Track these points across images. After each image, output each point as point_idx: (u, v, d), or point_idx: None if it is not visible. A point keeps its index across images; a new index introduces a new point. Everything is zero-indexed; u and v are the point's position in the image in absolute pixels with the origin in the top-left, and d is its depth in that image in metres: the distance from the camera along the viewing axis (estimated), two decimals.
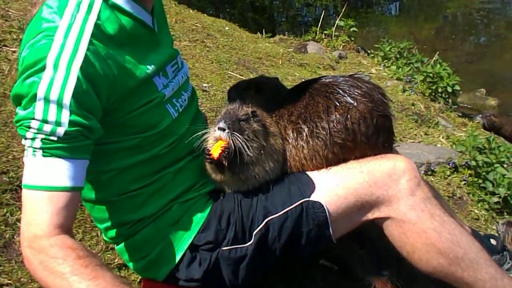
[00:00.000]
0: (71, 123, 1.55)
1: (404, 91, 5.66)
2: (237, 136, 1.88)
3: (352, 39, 7.37)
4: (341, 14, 7.62)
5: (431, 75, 5.91)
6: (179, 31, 5.50)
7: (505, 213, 3.65)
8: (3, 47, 3.63)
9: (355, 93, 2.07)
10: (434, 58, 6.42)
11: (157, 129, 1.87)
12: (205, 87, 4.21)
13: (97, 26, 1.64)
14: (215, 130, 1.91)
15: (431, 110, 5.27)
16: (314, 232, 1.99)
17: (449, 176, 3.80)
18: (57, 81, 1.52)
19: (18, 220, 2.29)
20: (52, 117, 1.53)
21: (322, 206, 1.97)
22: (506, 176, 3.69)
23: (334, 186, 2.00)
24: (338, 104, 2.05)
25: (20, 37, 3.64)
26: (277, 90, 2.37)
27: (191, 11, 6.82)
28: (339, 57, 6.66)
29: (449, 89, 5.82)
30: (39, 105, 1.53)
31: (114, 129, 1.77)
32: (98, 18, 1.66)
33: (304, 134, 2.06)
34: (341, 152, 2.05)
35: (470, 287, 2.04)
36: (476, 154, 3.83)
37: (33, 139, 1.55)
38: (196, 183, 2.05)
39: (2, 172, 2.51)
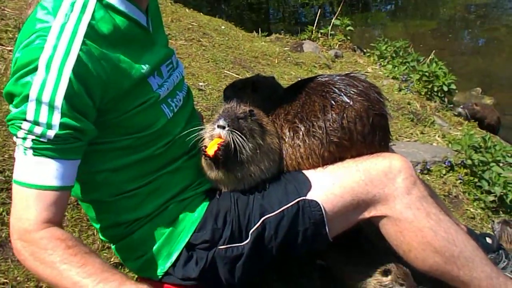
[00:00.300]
0: (62, 125, 1.56)
1: (400, 90, 5.68)
2: (237, 134, 1.89)
3: (348, 38, 7.39)
4: (337, 13, 7.64)
5: (427, 74, 5.93)
6: (175, 30, 5.50)
7: (501, 212, 3.67)
8: None
9: (351, 92, 2.07)
10: (430, 57, 6.45)
11: (152, 130, 1.87)
12: (201, 86, 4.21)
13: (91, 26, 1.64)
14: (214, 128, 1.91)
15: (427, 109, 5.29)
16: (310, 230, 1.99)
17: (445, 175, 3.81)
18: (49, 82, 1.53)
19: None
20: (43, 118, 1.54)
21: (318, 204, 1.97)
22: (501, 175, 3.71)
23: (331, 185, 2.00)
24: (334, 103, 2.05)
25: (16, 36, 3.63)
26: (273, 89, 2.37)
27: (187, 10, 6.82)
28: (335, 56, 6.68)
29: (445, 88, 5.85)
30: (31, 106, 1.54)
31: (109, 129, 1.77)
32: (92, 18, 1.65)
33: (301, 133, 2.07)
34: (338, 151, 2.05)
35: (466, 286, 2.04)
36: (472, 153, 3.84)
37: (24, 138, 1.57)
38: (193, 182, 2.05)
39: None
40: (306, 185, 2.01)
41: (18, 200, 1.60)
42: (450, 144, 4.24)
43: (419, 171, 3.70)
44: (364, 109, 2.05)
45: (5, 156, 2.60)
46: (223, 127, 1.89)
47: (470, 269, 2.01)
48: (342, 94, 2.07)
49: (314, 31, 7.37)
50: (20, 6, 4.32)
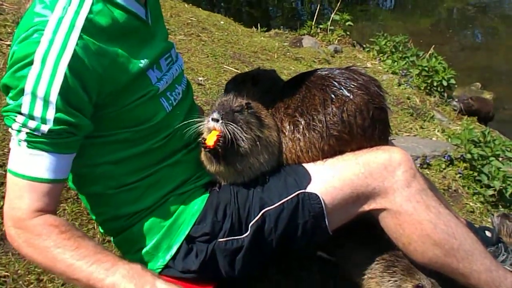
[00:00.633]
0: (56, 121, 1.56)
1: (399, 85, 5.68)
2: (232, 126, 1.89)
3: (348, 33, 7.39)
4: (337, 8, 7.62)
5: (426, 69, 5.94)
6: (174, 25, 5.49)
7: (500, 206, 3.68)
8: None
9: (351, 85, 2.07)
10: (429, 52, 6.45)
11: (151, 123, 1.87)
12: (201, 80, 4.21)
13: (88, 20, 1.63)
14: (208, 121, 1.91)
15: (426, 104, 5.30)
16: (310, 223, 1.99)
17: (444, 169, 3.82)
18: (44, 77, 1.53)
19: None
20: (38, 113, 1.54)
21: (318, 197, 1.97)
22: (501, 169, 3.72)
23: (330, 178, 2.01)
24: (334, 97, 2.05)
25: (15, 30, 3.62)
26: (273, 82, 2.37)
27: (186, 5, 6.80)
28: (334, 51, 6.67)
29: (445, 83, 5.86)
30: (26, 100, 1.54)
31: (107, 122, 1.77)
32: (90, 11, 1.65)
33: (301, 127, 2.06)
34: (337, 144, 2.05)
35: (465, 278, 2.05)
36: (472, 147, 3.85)
37: (18, 131, 1.58)
38: (192, 175, 2.05)
39: None
40: (306, 178, 2.02)
41: (11, 189, 1.62)
42: (449, 139, 4.25)
43: (418, 165, 3.70)
44: (364, 102, 2.05)
45: (5, 150, 2.60)
46: (217, 120, 1.89)
47: (470, 262, 2.02)
48: (342, 87, 2.06)
49: (313, 26, 7.36)
50: (18, 1, 4.30)
